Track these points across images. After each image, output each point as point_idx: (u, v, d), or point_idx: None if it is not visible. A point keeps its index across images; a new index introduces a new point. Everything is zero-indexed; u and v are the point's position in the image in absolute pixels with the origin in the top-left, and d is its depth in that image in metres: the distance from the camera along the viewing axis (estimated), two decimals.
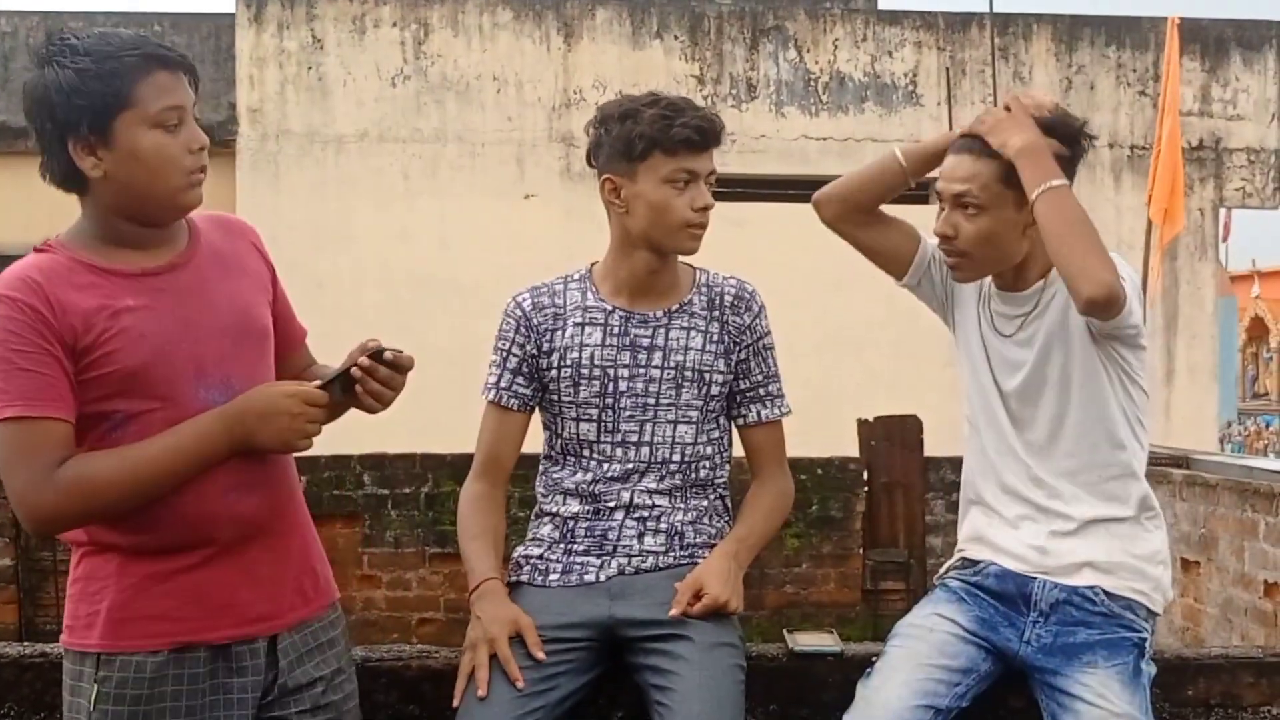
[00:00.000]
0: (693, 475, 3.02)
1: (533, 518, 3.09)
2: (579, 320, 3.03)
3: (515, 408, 3.05)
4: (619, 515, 2.97)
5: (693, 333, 3.03)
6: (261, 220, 2.90)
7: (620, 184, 2.96)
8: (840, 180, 3.19)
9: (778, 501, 3.13)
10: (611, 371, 3.00)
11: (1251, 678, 3.19)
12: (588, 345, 3.01)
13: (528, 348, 3.04)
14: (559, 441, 3.05)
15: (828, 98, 15.19)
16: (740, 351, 3.06)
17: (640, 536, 2.96)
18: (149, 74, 2.43)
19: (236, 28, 14.64)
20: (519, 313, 3.06)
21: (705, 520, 3.04)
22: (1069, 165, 2.91)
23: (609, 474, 2.98)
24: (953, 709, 2.82)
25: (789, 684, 3.12)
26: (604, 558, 2.95)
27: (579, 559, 2.96)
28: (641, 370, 3.00)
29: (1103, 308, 2.74)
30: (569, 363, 3.01)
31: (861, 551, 10.37)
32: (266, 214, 12.21)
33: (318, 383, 2.53)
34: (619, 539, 2.96)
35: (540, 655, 2.77)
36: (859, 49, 15.25)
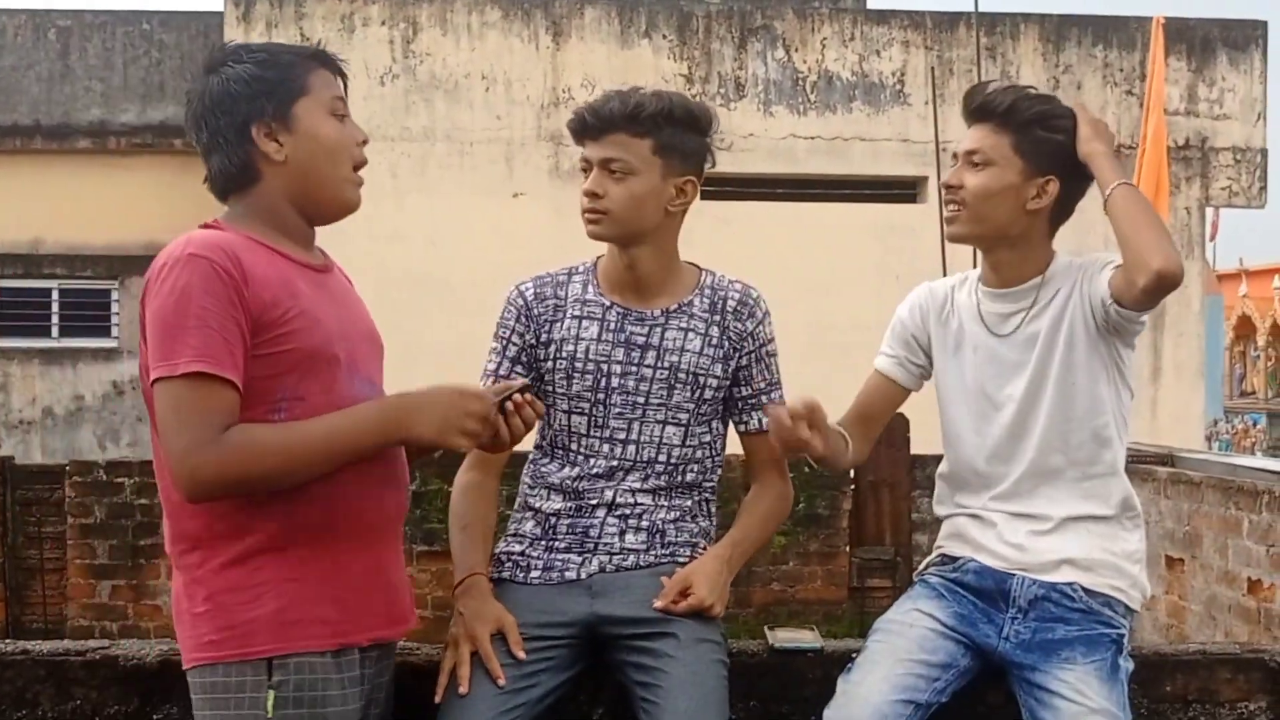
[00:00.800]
0: (679, 478, 3.01)
1: (515, 510, 3.09)
2: (577, 313, 3.02)
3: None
4: (600, 513, 2.97)
5: (690, 334, 3.01)
6: None
7: None
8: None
9: (775, 507, 3.14)
10: (605, 367, 2.98)
11: (1229, 674, 3.20)
12: (584, 339, 3.00)
13: (527, 337, 3.03)
14: (549, 433, 3.05)
15: (816, 97, 15.22)
16: (741, 358, 3.05)
17: (621, 534, 2.96)
18: (318, 68, 2.60)
19: (225, 26, 14.63)
20: (521, 301, 3.06)
21: (688, 519, 3.03)
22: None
23: (594, 470, 2.98)
24: (932, 704, 2.83)
25: (770, 680, 3.13)
26: (585, 555, 2.95)
27: (560, 555, 2.96)
28: (634, 369, 2.98)
29: (1168, 282, 2.78)
30: (564, 355, 3.00)
31: (848, 549, 10.41)
32: None
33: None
34: (600, 536, 2.96)
35: (520, 654, 2.78)
36: (847, 48, 15.28)
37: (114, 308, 17.40)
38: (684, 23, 15.11)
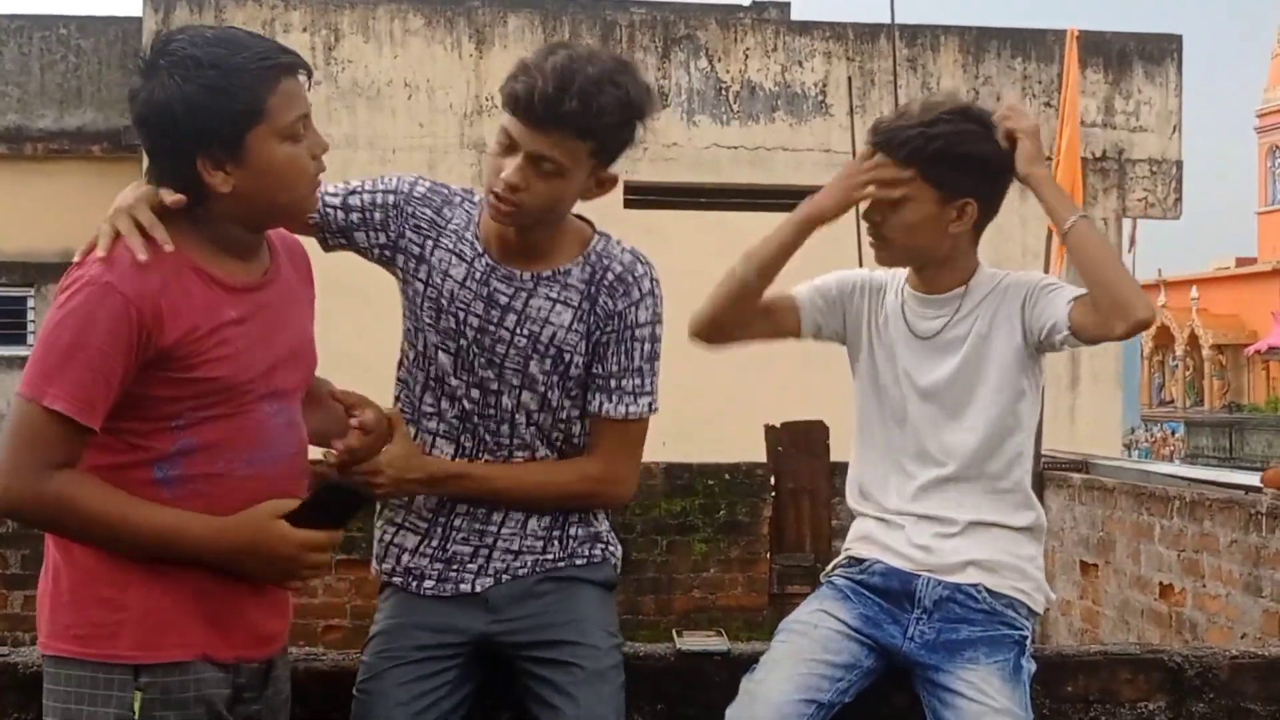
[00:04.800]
0: (550, 437, 2.84)
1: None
2: (450, 246, 2.78)
3: (323, 216, 2.80)
4: (496, 517, 2.83)
5: (559, 306, 2.76)
6: None
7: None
8: (702, 308, 3.11)
9: (567, 478, 2.86)
10: (463, 317, 2.76)
11: (1129, 674, 3.24)
12: (450, 277, 2.76)
13: (379, 215, 2.81)
14: (415, 355, 2.84)
15: (739, 107, 15.30)
16: (602, 335, 2.78)
17: (523, 525, 2.82)
18: (278, 83, 2.34)
19: (144, 32, 14.48)
20: (405, 189, 2.83)
21: (587, 511, 2.90)
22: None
23: (474, 419, 2.80)
24: (835, 704, 2.84)
25: (676, 684, 3.14)
26: (479, 562, 2.83)
27: (454, 567, 2.83)
28: (492, 328, 2.75)
29: (1146, 327, 2.88)
30: (434, 285, 2.77)
31: (769, 556, 10.46)
32: None
33: (296, 511, 2.39)
34: (497, 540, 2.83)
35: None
36: (770, 58, 15.37)
37: (30, 315, 17.19)
38: (607, 31, 15.13)
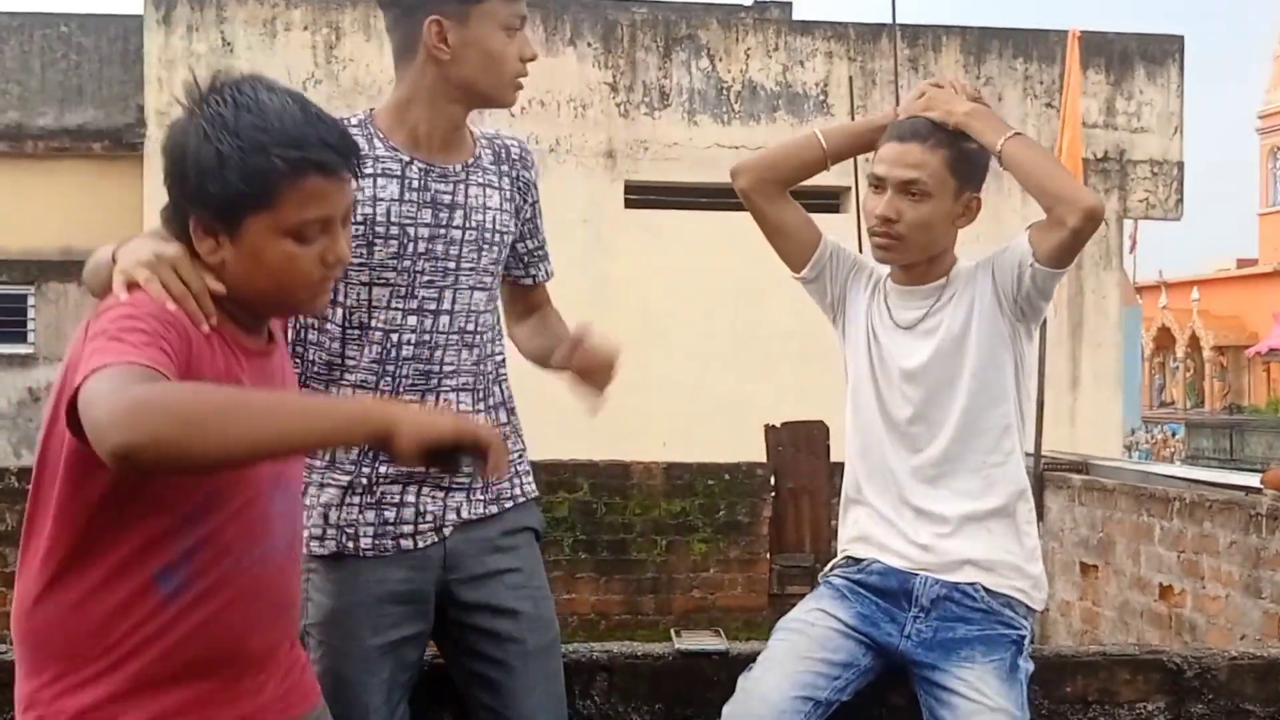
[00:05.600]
0: (486, 351, 2.77)
1: None
2: (369, 171, 2.64)
3: None
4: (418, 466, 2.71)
5: (489, 190, 2.78)
6: None
7: (449, 28, 2.62)
8: (761, 152, 3.26)
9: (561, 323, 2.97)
10: (411, 231, 2.67)
11: (1128, 674, 3.25)
12: (382, 200, 2.65)
13: None
14: (338, 311, 2.67)
15: (740, 106, 15.29)
16: (526, 210, 2.87)
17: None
18: (301, 179, 2.08)
19: (145, 29, 14.49)
20: None
21: (508, 432, 2.78)
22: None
23: (403, 350, 2.67)
24: (832, 702, 2.85)
25: (674, 683, 3.15)
26: (410, 501, 2.69)
27: (387, 509, 2.68)
28: (442, 231, 2.70)
29: (1098, 217, 2.85)
30: (359, 218, 2.61)
31: (768, 556, 10.47)
32: None
33: None
34: (426, 474, 2.64)
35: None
36: (771, 58, 15.37)
37: (30, 313, 17.20)
38: (609, 31, 15.13)
